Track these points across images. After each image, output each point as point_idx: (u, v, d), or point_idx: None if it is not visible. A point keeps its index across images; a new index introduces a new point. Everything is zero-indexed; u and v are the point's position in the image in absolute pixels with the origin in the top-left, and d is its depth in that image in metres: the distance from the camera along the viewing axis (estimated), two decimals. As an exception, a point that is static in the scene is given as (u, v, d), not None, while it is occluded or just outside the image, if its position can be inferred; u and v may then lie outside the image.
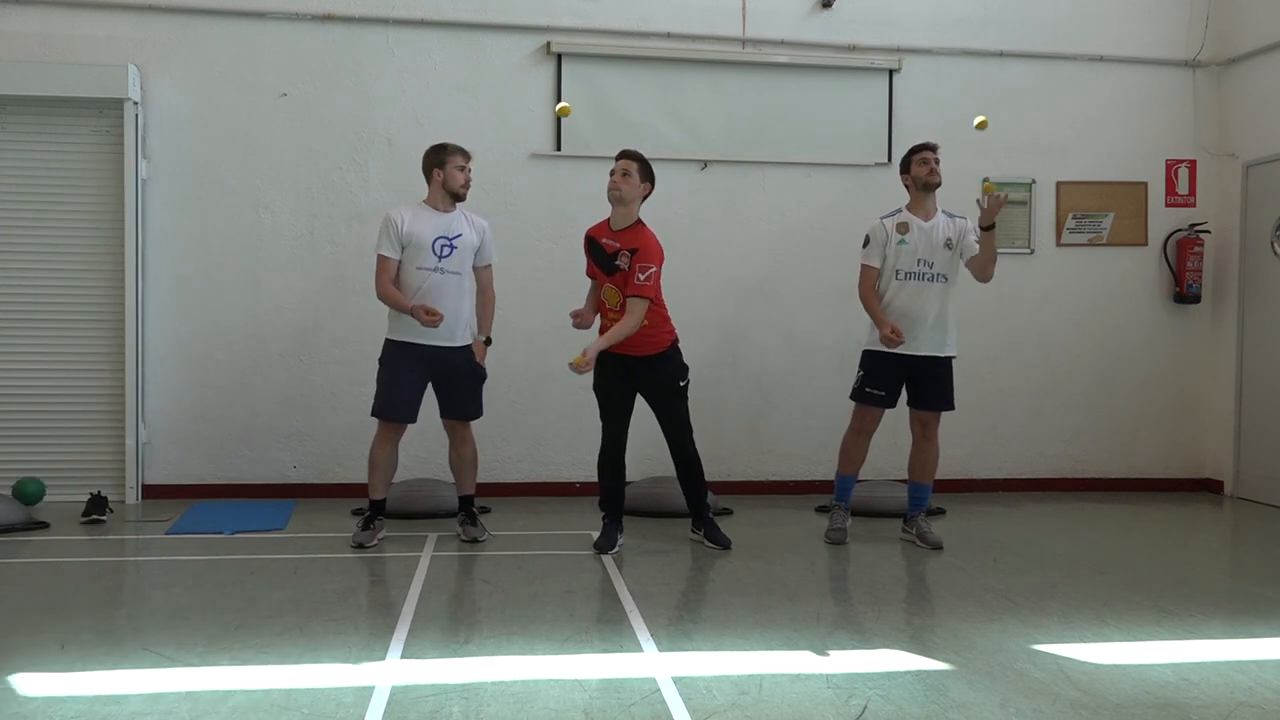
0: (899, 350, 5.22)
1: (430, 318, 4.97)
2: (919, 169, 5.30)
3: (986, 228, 5.12)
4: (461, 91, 6.68)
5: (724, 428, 6.79)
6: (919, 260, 5.25)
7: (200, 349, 6.50)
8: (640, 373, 5.15)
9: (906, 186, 5.39)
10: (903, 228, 5.29)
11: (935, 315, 5.28)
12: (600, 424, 5.30)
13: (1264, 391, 6.95)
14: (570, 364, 4.78)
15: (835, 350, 6.86)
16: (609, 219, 5.16)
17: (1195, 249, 7.26)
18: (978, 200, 5.16)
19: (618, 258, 5.03)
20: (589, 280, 5.36)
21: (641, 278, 4.96)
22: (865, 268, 5.37)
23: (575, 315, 5.21)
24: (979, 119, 5.28)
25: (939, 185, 5.31)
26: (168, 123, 6.42)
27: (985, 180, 5.19)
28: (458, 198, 5.27)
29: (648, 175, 5.13)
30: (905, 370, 5.33)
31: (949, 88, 7.08)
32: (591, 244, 5.19)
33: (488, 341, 5.44)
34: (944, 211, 5.37)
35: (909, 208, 5.36)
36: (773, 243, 6.97)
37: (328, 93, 6.57)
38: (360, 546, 5.18)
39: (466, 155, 5.29)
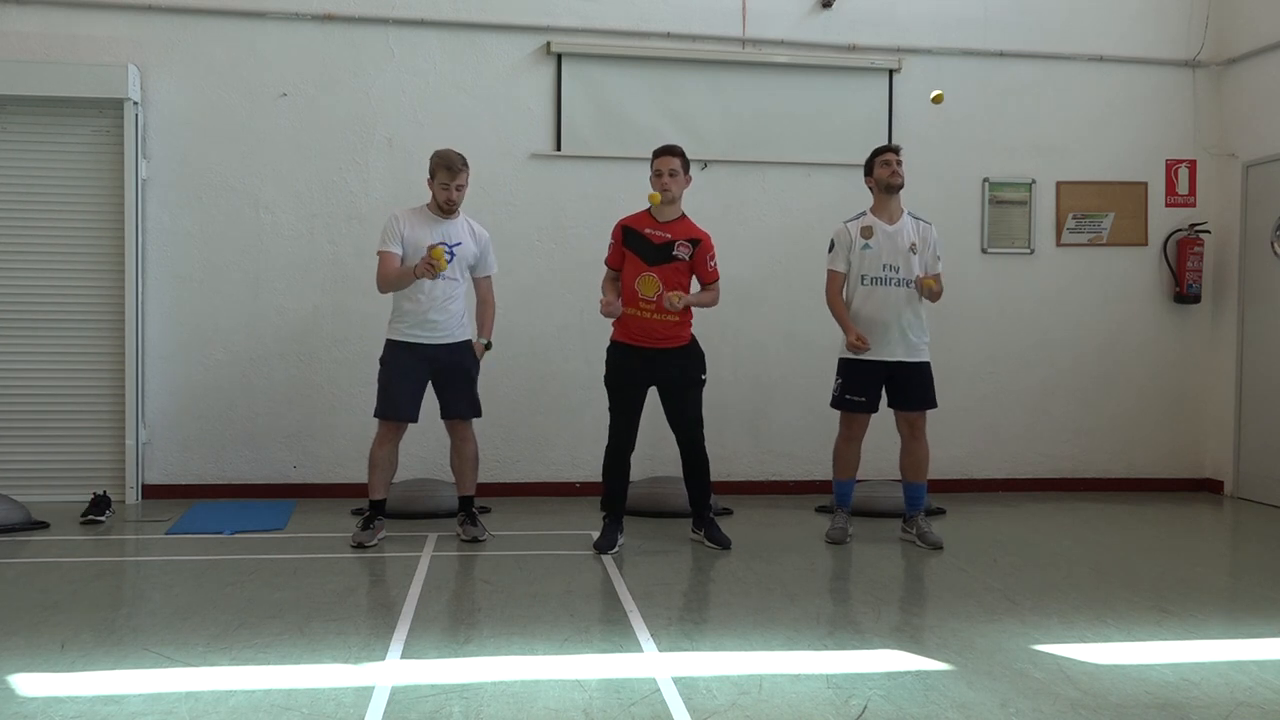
0: (872, 356, 5.27)
1: (430, 267, 4.94)
2: (881, 170, 5.36)
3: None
4: (461, 91, 6.68)
5: (724, 428, 6.78)
6: (884, 265, 5.29)
7: (200, 349, 6.50)
8: (662, 365, 5.17)
9: (870, 189, 5.45)
10: (866, 232, 5.34)
11: (906, 320, 5.31)
12: (609, 422, 5.27)
13: (1264, 391, 6.95)
14: (669, 298, 4.98)
15: (835, 350, 6.77)
16: (648, 211, 5.18)
17: (1195, 249, 7.26)
18: (915, 283, 5.27)
19: (674, 248, 5.10)
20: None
21: (713, 264, 5.21)
22: (831, 273, 5.43)
23: (608, 304, 5.12)
24: (935, 93, 5.46)
25: (901, 187, 5.37)
26: (168, 123, 6.43)
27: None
28: (444, 212, 5.25)
29: (687, 166, 5.22)
30: (882, 375, 5.36)
31: (949, 88, 7.04)
32: (631, 234, 5.16)
33: (488, 345, 5.42)
34: (910, 214, 5.43)
35: (873, 210, 5.42)
36: (773, 243, 6.97)
37: (328, 93, 6.57)
38: (360, 546, 5.18)
39: (453, 172, 5.15)
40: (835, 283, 5.42)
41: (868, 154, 5.54)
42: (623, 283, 5.20)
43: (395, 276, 5.13)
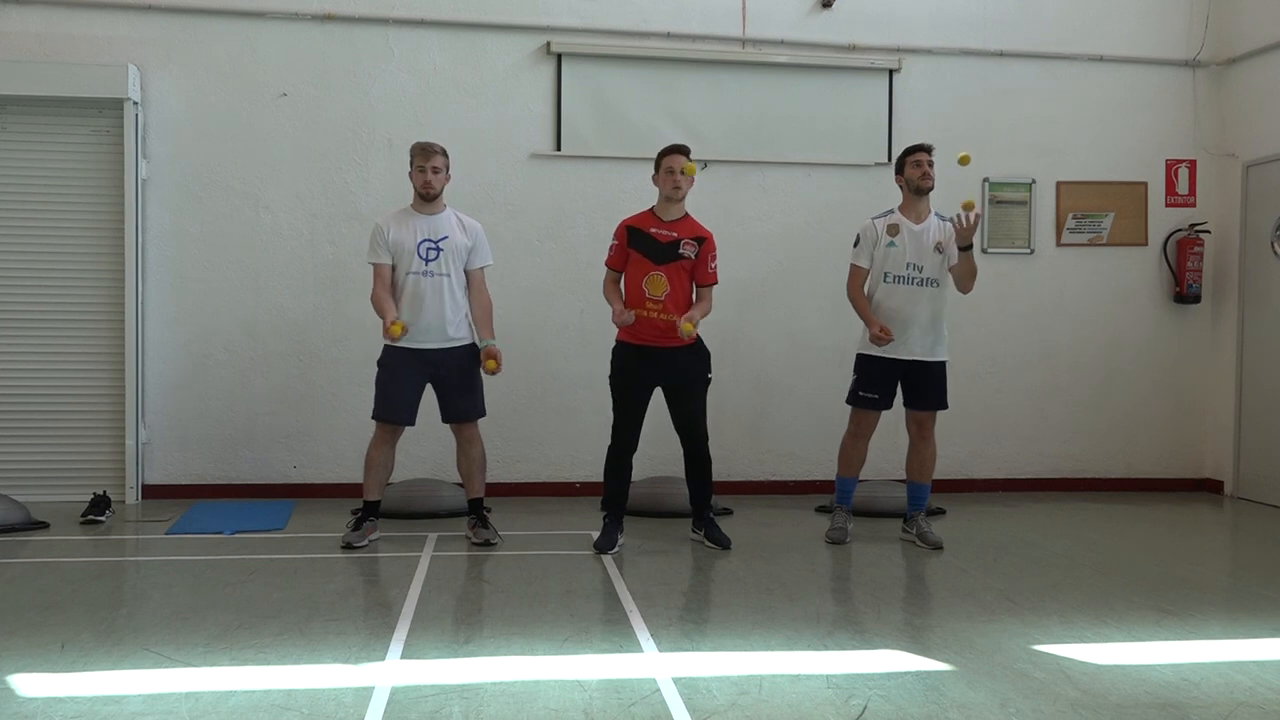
0: (890, 354, 5.26)
1: (390, 330, 4.95)
2: (912, 171, 5.33)
3: (963, 248, 5.19)
4: (461, 91, 6.68)
5: (724, 428, 6.76)
6: (908, 264, 5.28)
7: (200, 349, 6.50)
8: (667, 363, 5.16)
9: (900, 188, 5.43)
10: (893, 230, 5.33)
11: (926, 319, 5.30)
12: (612, 422, 5.25)
13: (1264, 391, 6.95)
14: (683, 328, 4.92)
15: (835, 350, 6.86)
16: (652, 210, 5.21)
17: (1195, 249, 7.26)
18: (953, 219, 5.17)
19: (680, 246, 5.11)
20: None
21: (713, 266, 5.19)
22: (854, 268, 5.43)
23: (620, 314, 5.03)
24: (962, 154, 5.17)
25: (931, 189, 5.34)
26: (168, 123, 6.43)
27: (967, 201, 5.25)
28: (423, 197, 5.21)
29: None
30: (898, 372, 5.35)
31: (949, 88, 7.09)
32: (636, 234, 5.15)
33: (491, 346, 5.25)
34: (936, 214, 5.39)
35: (901, 209, 5.40)
36: (773, 243, 6.97)
37: (328, 93, 6.57)
38: (349, 547, 5.16)
39: (428, 153, 5.16)
40: (857, 278, 5.41)
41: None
42: (628, 283, 5.20)
43: (376, 305, 5.14)
